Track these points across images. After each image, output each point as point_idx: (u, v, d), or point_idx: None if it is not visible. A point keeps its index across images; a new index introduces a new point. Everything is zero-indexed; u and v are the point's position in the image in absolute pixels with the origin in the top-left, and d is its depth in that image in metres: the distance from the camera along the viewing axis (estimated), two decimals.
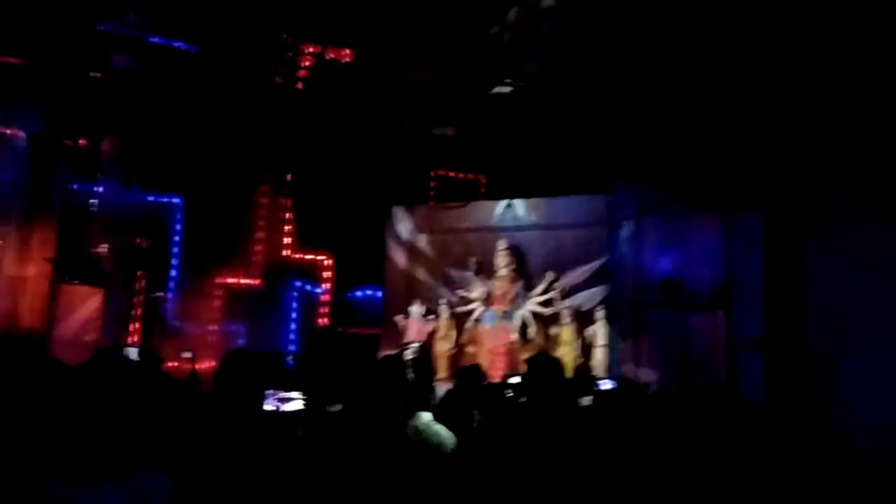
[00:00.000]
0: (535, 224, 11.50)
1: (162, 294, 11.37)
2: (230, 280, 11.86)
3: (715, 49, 7.47)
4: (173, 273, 11.64)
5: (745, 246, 6.89)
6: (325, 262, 12.40)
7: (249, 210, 12.14)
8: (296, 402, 3.75)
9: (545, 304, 11.12)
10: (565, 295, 10.99)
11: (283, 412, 3.71)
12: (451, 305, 11.67)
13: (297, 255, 12.29)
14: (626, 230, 9.49)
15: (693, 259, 8.20)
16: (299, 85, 11.49)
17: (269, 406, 3.71)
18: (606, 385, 5.68)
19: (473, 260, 11.68)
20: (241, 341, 11.63)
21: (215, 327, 11.72)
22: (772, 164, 6.64)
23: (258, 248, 12.10)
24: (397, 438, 2.69)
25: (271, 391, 3.72)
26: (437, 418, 2.86)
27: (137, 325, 11.04)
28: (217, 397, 2.66)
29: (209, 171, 11.58)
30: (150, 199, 11.59)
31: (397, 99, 11.94)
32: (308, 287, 12.40)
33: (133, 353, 6.75)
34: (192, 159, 11.32)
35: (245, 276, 11.95)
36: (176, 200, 11.79)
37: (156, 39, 10.85)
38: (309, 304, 12.34)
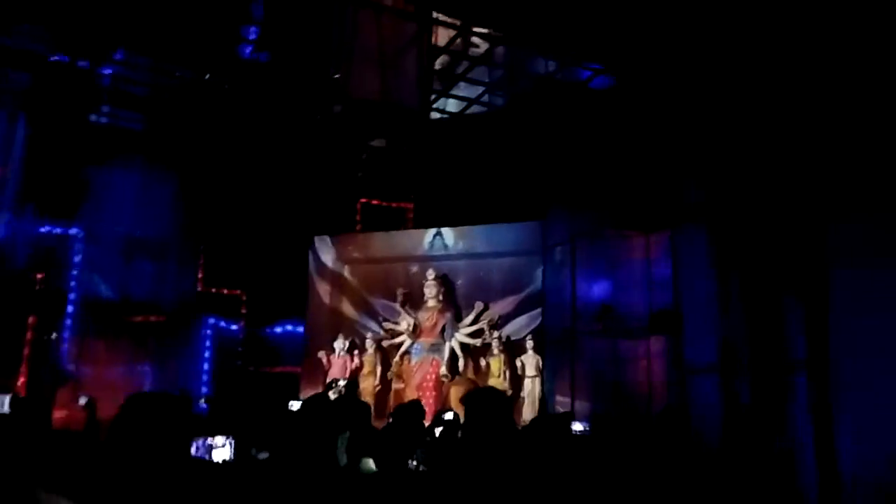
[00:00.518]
0: (464, 253, 11.26)
1: (56, 334, 10.27)
2: (135, 317, 10.89)
3: (637, 66, 7.56)
4: (70, 310, 10.57)
5: (691, 264, 6.80)
6: (242, 297, 11.65)
7: (161, 243, 11.27)
8: (223, 450, 3.26)
9: (474, 334, 10.84)
10: (494, 325, 10.75)
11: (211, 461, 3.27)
12: (377, 339, 11.19)
13: (211, 290, 11.48)
14: (558, 256, 9.35)
15: (627, 283, 8.14)
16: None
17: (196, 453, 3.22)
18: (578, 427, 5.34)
19: (400, 290, 11.29)
20: (147, 384, 10.67)
21: (118, 369, 10.69)
22: (714, 176, 6.63)
23: (168, 283, 11.21)
24: (341, 490, 2.28)
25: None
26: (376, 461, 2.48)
27: (23, 370, 9.88)
28: (114, 447, 2.21)
29: (112, 198, 10.74)
30: (45, 229, 10.56)
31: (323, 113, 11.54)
32: (222, 324, 11.59)
33: (4, 402, 5.86)
34: (94, 184, 10.46)
35: (151, 313, 11.02)
36: (74, 231, 10.79)
37: (57, 57, 10.01)
38: (223, 341, 11.51)
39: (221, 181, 11.30)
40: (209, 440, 3.21)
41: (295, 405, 6.46)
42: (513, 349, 10.50)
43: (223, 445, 3.24)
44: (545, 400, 9.79)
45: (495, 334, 10.59)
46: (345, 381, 8.35)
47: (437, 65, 9.45)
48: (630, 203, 8.04)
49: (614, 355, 7.67)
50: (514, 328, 10.62)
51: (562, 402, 8.85)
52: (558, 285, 9.15)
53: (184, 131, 10.98)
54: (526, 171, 10.58)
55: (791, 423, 5.57)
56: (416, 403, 4.75)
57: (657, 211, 7.59)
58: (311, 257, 11.78)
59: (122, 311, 10.73)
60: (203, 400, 6.88)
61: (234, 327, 11.60)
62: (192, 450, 3.13)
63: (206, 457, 3.18)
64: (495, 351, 10.51)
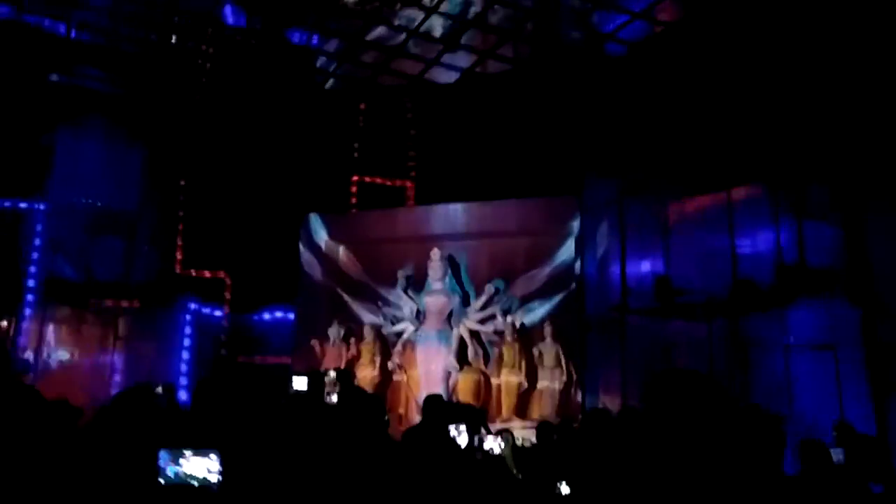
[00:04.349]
0: (472, 231, 10.15)
1: (9, 320, 9.06)
2: (103, 301, 9.68)
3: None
4: (29, 295, 9.36)
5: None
6: (226, 280, 10.46)
7: (133, 219, 10.06)
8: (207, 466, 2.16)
9: (485, 320, 9.74)
10: (507, 310, 9.67)
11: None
12: (376, 326, 10.06)
13: (191, 272, 10.28)
14: (600, 225, 8.35)
15: (687, 252, 7.09)
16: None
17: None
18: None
19: (402, 273, 10.16)
20: (116, 376, 9.50)
21: (82, 360, 9.51)
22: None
23: (141, 264, 10.01)
24: None
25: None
26: None
27: None
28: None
29: (82, 172, 9.56)
30: (2, 203, 9.35)
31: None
32: (205, 309, 10.40)
33: None
34: (55, 152, 9.27)
35: (124, 297, 9.81)
36: (36, 206, 9.57)
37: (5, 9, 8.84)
38: (206, 329, 10.32)
39: (202, 151, 10.16)
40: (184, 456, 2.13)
41: (299, 383, 5.42)
42: (529, 337, 9.42)
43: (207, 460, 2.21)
44: (568, 393, 8.74)
45: (508, 320, 9.49)
46: (334, 372, 7.25)
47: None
48: (685, 163, 7.03)
49: (666, 339, 6.57)
50: (530, 313, 9.53)
51: (607, 398, 7.75)
52: (598, 260, 8.08)
53: (159, 93, 9.81)
54: (545, 139, 9.57)
55: None
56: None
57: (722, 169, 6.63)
58: (302, 237, 10.62)
59: (87, 294, 9.53)
60: (160, 388, 5.83)
61: (217, 313, 10.40)
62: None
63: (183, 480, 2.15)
64: (509, 339, 9.42)
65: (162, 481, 2.18)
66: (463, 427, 4.92)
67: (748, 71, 7.71)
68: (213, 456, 2.24)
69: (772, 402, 6.85)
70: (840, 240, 6.56)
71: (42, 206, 9.52)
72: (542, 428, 5.83)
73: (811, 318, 7.41)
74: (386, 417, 4.97)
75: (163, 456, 2.23)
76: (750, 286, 6.82)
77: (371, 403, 3.75)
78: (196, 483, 2.21)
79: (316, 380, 5.70)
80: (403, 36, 9.76)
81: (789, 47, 6.87)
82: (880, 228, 6.43)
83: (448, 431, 4.71)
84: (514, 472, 5.36)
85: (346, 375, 8.62)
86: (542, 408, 9.02)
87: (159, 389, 6.34)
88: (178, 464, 2.23)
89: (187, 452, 2.23)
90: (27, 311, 9.30)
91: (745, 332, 7.48)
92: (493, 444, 5.37)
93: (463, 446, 4.83)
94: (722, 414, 1.70)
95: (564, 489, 3.51)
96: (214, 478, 2.24)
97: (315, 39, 10.32)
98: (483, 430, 5.57)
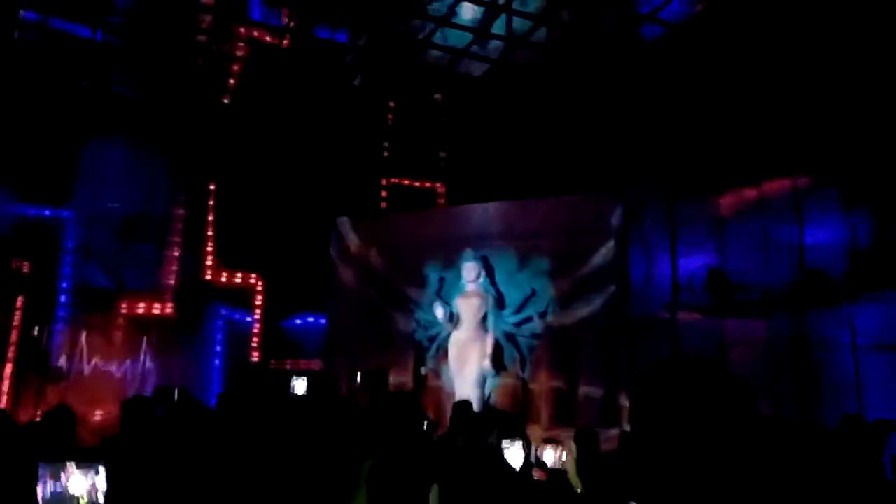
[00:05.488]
0: (507, 231, 9.78)
1: (43, 327, 9.05)
2: (137, 308, 9.63)
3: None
4: (63, 300, 9.34)
5: None
6: (256, 286, 10.32)
7: (163, 224, 10.01)
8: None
9: (522, 323, 9.37)
10: (544, 313, 9.28)
11: None
12: (409, 331, 9.77)
13: (221, 278, 10.17)
14: (645, 220, 7.95)
15: (741, 246, 6.62)
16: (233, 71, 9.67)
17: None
18: None
19: (434, 276, 9.85)
20: (148, 384, 9.41)
21: (114, 367, 9.45)
22: None
23: (172, 268, 9.93)
24: None
25: None
26: None
27: (9, 369, 8.67)
28: None
29: (111, 178, 9.53)
30: (32, 212, 9.35)
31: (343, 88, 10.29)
32: (236, 315, 10.28)
33: None
34: (85, 159, 9.25)
35: (156, 303, 9.74)
36: (66, 214, 9.56)
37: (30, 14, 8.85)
38: (237, 334, 10.20)
39: (231, 153, 10.05)
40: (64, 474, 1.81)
41: (299, 386, 5.18)
42: (569, 340, 8.99)
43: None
44: (612, 399, 8.31)
45: (547, 322, 9.09)
46: (360, 374, 6.93)
47: None
48: (737, 150, 6.59)
49: (721, 340, 6.11)
50: (570, 315, 9.10)
51: None
52: (644, 258, 7.66)
53: (185, 95, 9.74)
54: (582, 133, 9.19)
55: None
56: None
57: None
58: (332, 241, 10.41)
59: (119, 301, 9.47)
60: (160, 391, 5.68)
61: (248, 319, 10.26)
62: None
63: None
64: (547, 342, 9.02)
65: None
66: (519, 443, 4.52)
67: (803, 48, 7.26)
68: (98, 470, 1.92)
69: (839, 407, 6.52)
70: None
71: (71, 214, 9.50)
72: (582, 435, 5.41)
73: (881, 316, 6.98)
74: (427, 421, 4.64)
75: (42, 472, 1.94)
76: (820, 277, 6.27)
77: (406, 405, 3.53)
78: None
79: (318, 382, 5.46)
80: (432, 27, 9.48)
81: (856, 20, 6.37)
82: None
83: (492, 444, 4.32)
84: (578, 488, 4.91)
85: (379, 377, 8.36)
86: (584, 415, 8.58)
87: (175, 394, 6.22)
88: (58, 480, 1.93)
89: (70, 466, 1.92)
90: (60, 319, 9.28)
91: (809, 331, 6.96)
92: (552, 456, 4.95)
93: (518, 465, 4.42)
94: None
95: None
96: (100, 497, 1.92)
97: (343, 35, 10.12)
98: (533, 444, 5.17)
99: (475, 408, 8.00)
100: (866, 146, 7.23)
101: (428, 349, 9.58)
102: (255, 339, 10.05)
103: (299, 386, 5.28)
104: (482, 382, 9.08)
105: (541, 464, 5.17)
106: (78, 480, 1.86)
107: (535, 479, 4.77)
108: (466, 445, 4.05)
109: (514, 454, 4.37)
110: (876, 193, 7.31)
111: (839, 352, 7.08)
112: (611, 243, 8.96)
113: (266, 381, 8.34)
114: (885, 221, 7.24)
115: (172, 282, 9.77)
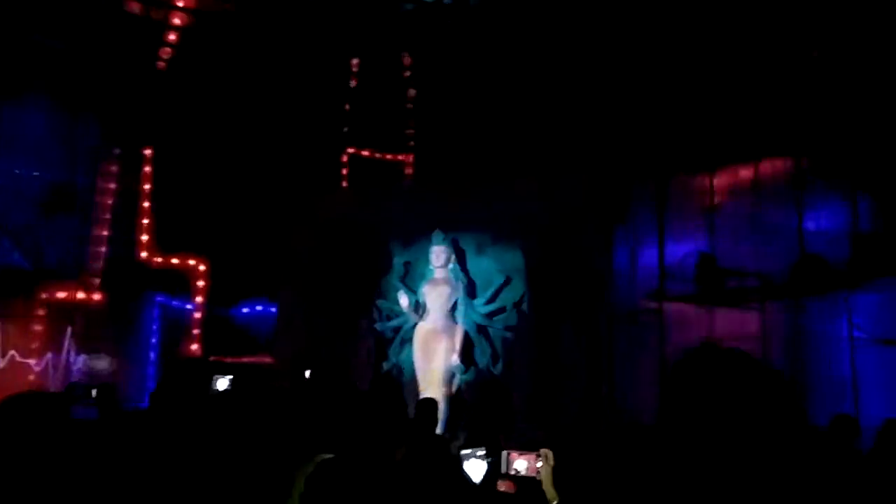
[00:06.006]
0: (480, 213, 8.94)
1: None
2: (59, 293, 8.52)
3: None
4: None
5: None
6: (198, 269, 9.29)
7: (90, 196, 8.90)
8: None
9: (494, 314, 8.55)
10: (519, 302, 8.49)
11: None
12: (369, 321, 8.87)
13: (157, 259, 9.12)
14: (634, 199, 7.38)
15: (731, 229, 6.10)
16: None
17: None
18: None
19: (399, 260, 8.97)
20: (72, 379, 8.37)
21: (36, 361, 8.37)
22: None
23: (100, 249, 8.83)
24: None
25: None
26: None
27: None
28: None
29: (29, 141, 8.40)
30: None
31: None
32: (174, 302, 9.25)
33: None
34: (4, 122, 8.12)
35: (81, 288, 8.65)
36: None
37: None
38: (175, 324, 9.18)
39: (170, 118, 8.98)
40: None
41: (221, 383, 4.50)
42: (545, 332, 8.25)
43: None
44: (592, 395, 7.64)
45: (521, 312, 8.31)
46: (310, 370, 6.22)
47: None
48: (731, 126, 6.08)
49: (710, 331, 5.56)
50: (546, 305, 8.35)
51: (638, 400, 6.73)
52: (627, 244, 7.09)
53: (121, 52, 8.61)
54: (562, 107, 8.50)
55: None
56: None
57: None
58: (286, 220, 9.43)
59: (39, 285, 8.37)
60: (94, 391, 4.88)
61: (188, 306, 9.25)
62: None
63: None
64: (521, 334, 8.25)
65: None
66: (481, 451, 3.82)
67: (804, 19, 6.92)
68: None
69: (835, 403, 6.34)
70: None
71: None
72: (560, 438, 4.80)
73: (879, 309, 6.71)
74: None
75: None
76: (819, 262, 5.74)
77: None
78: None
79: (243, 378, 4.78)
80: None
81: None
82: None
83: (452, 454, 3.57)
84: (553, 501, 4.23)
85: (329, 374, 7.55)
86: (562, 415, 7.87)
87: (93, 392, 5.39)
88: None
89: None
90: None
91: (804, 323, 6.60)
92: (524, 464, 4.24)
93: (479, 478, 3.74)
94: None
95: None
96: None
97: None
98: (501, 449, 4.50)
99: (441, 406, 7.32)
100: (869, 123, 6.93)
101: (391, 342, 8.72)
102: (195, 329, 9.02)
103: (221, 384, 4.44)
104: (450, 379, 8.29)
105: (511, 473, 4.49)
106: None
107: (502, 491, 4.09)
108: (408, 457, 3.26)
109: (474, 466, 3.72)
110: (879, 174, 7.04)
111: (836, 345, 6.87)
112: (593, 226, 8.26)
113: (198, 379, 7.36)
114: (889, 204, 6.98)
115: (100, 264, 8.68)
